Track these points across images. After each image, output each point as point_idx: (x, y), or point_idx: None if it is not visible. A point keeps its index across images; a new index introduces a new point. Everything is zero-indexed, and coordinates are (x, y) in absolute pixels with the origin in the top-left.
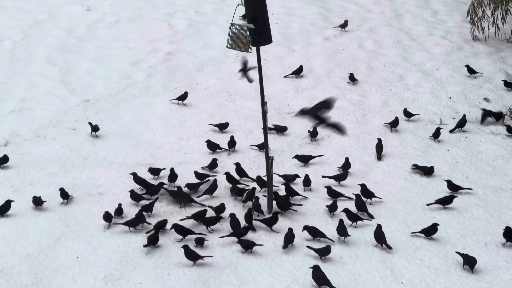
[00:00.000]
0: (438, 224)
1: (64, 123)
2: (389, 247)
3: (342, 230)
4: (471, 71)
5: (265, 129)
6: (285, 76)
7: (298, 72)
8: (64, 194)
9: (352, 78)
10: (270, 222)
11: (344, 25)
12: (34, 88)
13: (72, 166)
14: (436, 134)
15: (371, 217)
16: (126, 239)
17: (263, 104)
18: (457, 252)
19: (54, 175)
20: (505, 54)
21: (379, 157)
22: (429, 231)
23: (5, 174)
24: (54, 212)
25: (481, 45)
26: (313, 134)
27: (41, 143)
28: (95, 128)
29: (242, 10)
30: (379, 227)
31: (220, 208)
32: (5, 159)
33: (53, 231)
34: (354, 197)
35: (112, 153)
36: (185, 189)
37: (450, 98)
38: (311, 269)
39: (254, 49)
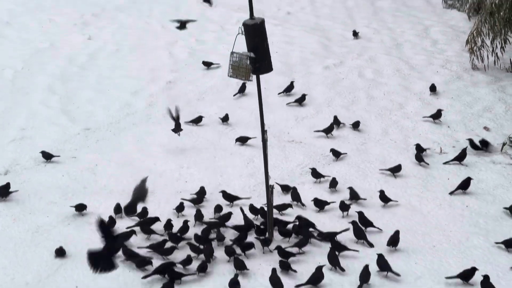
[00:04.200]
0: (477, 269)
1: (64, 152)
2: None
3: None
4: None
5: (265, 158)
6: (287, 104)
7: (300, 100)
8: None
9: (356, 125)
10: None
11: (289, 88)
12: (34, 117)
13: (72, 195)
14: (397, 169)
15: (370, 245)
16: (126, 268)
17: (263, 132)
18: None
19: (54, 203)
20: (505, 84)
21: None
22: (467, 276)
23: (4, 202)
24: (53, 241)
25: (480, 74)
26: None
27: (41, 172)
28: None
29: (242, 39)
30: (365, 267)
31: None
32: (7, 187)
33: (53, 260)
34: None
35: (113, 181)
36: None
37: (449, 127)
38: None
39: (254, 77)
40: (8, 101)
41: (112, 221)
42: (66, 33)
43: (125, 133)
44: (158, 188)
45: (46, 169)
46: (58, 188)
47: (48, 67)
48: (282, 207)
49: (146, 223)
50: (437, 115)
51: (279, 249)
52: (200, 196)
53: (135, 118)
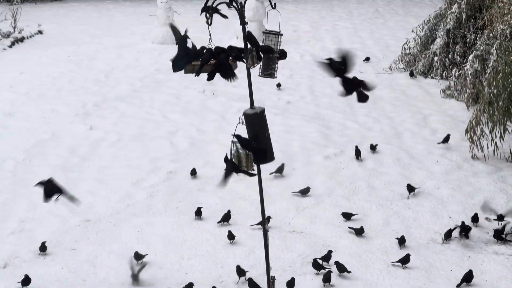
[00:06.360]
0: None
1: (64, 244)
2: None
3: None
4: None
5: (266, 247)
6: (292, 192)
7: (305, 192)
8: None
9: (360, 232)
10: None
11: (280, 169)
12: (34, 209)
13: None
14: (405, 259)
15: None
16: None
17: (264, 222)
18: None
19: None
20: (505, 174)
21: None
22: None
23: None
24: None
25: (480, 164)
26: None
27: (40, 264)
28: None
29: (243, 128)
30: None
31: None
32: (27, 280)
33: None
34: None
35: (113, 274)
36: None
37: (450, 217)
38: None
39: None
40: (8, 193)
41: None
42: (68, 123)
43: (125, 224)
44: (158, 280)
45: (45, 262)
46: (57, 281)
47: (49, 158)
48: None
49: None
50: (405, 260)
51: None
52: None
53: (136, 209)
